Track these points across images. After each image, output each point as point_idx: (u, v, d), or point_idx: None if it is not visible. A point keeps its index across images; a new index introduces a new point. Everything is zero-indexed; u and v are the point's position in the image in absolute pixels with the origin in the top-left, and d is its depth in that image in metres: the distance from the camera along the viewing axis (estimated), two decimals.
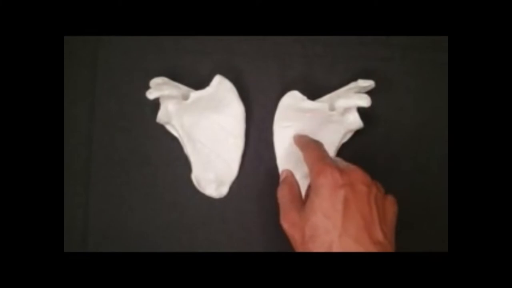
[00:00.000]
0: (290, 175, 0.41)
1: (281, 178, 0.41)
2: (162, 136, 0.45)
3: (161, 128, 0.44)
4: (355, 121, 0.42)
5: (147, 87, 0.41)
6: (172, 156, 0.45)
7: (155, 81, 0.42)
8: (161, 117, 0.42)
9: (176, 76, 0.43)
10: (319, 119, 0.42)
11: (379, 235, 0.32)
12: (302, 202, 0.37)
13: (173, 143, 0.44)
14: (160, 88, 0.40)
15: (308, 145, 0.39)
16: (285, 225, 0.35)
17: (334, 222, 0.32)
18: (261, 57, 0.45)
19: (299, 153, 0.44)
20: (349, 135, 0.44)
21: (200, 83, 0.43)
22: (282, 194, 0.38)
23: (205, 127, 0.44)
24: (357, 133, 0.44)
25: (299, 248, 0.34)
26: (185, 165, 0.44)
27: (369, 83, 0.42)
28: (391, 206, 0.35)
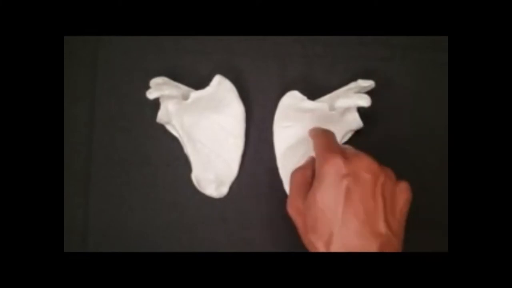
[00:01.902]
0: (311, 160, 0.38)
1: (303, 162, 0.39)
2: (162, 136, 0.45)
3: (161, 128, 0.44)
4: (355, 121, 0.42)
5: (147, 87, 0.41)
6: (172, 156, 0.45)
7: (155, 81, 0.42)
8: (161, 117, 0.42)
9: (176, 76, 0.43)
10: (319, 119, 0.42)
11: (381, 227, 0.31)
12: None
13: (173, 143, 0.44)
14: (160, 88, 0.40)
15: (318, 134, 0.37)
16: (290, 211, 0.35)
17: (334, 214, 0.32)
18: (261, 57, 0.45)
19: (300, 153, 0.44)
20: (349, 135, 0.44)
21: (200, 83, 0.43)
22: (294, 178, 0.36)
23: (205, 127, 0.44)
24: (357, 133, 0.44)
25: (303, 236, 0.34)
26: (185, 165, 0.44)
27: (369, 83, 0.42)
28: (402, 193, 0.34)
